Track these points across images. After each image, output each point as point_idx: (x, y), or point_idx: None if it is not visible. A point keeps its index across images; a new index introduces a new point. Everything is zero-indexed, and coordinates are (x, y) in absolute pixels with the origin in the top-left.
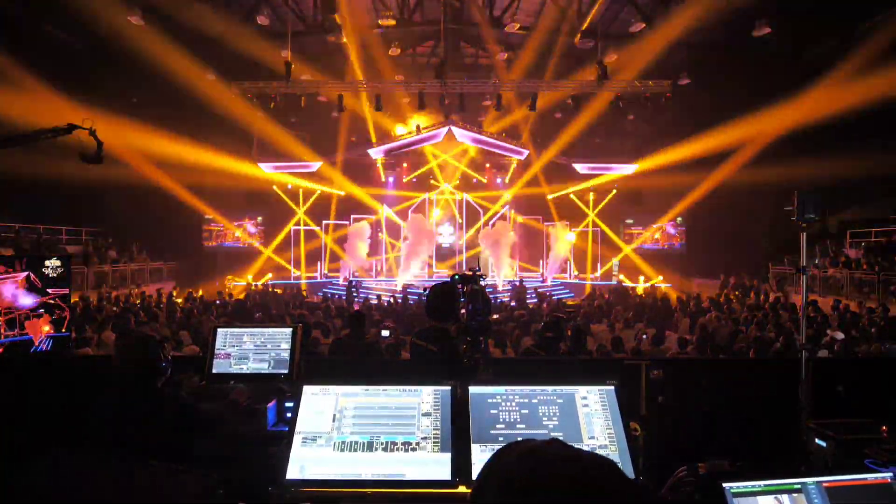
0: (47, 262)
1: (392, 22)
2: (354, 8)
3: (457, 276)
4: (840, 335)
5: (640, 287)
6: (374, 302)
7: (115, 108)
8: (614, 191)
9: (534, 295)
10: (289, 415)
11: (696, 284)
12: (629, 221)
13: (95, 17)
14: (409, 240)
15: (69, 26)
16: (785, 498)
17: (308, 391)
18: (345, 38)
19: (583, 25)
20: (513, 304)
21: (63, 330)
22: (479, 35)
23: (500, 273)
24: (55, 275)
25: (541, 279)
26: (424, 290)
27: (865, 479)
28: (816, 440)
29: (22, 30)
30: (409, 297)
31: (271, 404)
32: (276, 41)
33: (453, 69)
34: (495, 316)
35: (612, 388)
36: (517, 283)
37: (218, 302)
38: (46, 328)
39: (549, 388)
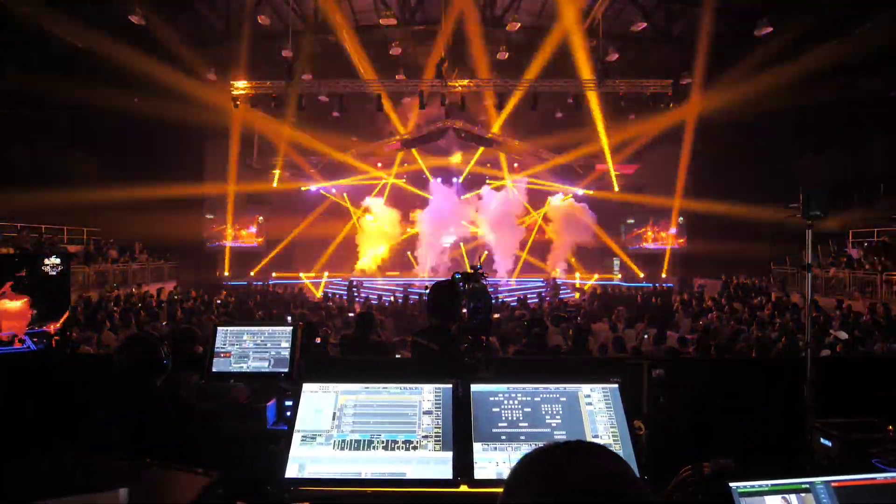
0: (47, 261)
1: (393, 21)
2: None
3: (458, 275)
4: (843, 335)
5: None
6: (375, 302)
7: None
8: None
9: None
10: (289, 413)
11: (698, 285)
12: (630, 221)
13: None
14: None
15: (69, 25)
16: (793, 498)
17: (307, 389)
18: (345, 38)
19: (584, 25)
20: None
21: (58, 326)
22: (480, 34)
23: (503, 268)
24: (55, 273)
25: (541, 279)
26: (426, 288)
27: (875, 478)
28: (821, 439)
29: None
30: (410, 296)
31: (271, 403)
32: (277, 41)
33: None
34: (496, 315)
35: (616, 386)
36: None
37: (219, 301)
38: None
39: (553, 387)
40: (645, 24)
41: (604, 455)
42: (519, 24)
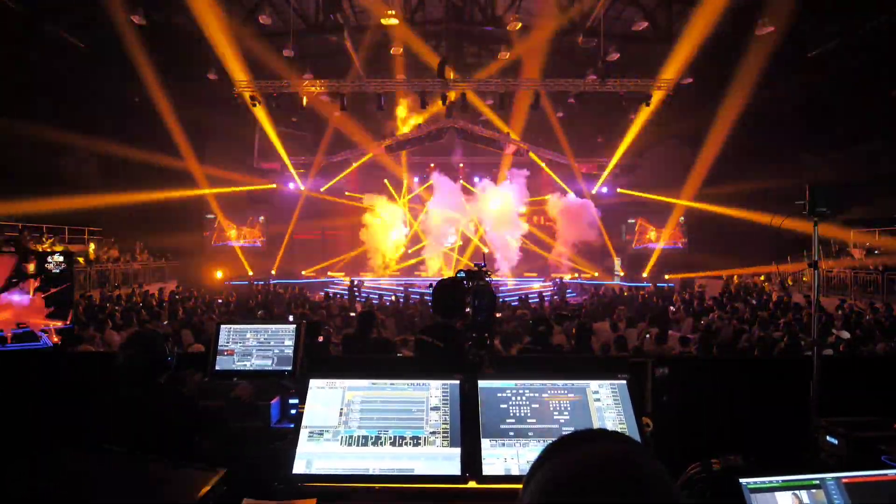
0: (49, 259)
1: (395, 21)
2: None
3: (463, 272)
4: (846, 334)
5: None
6: (376, 301)
7: (116, 108)
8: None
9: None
10: (293, 412)
11: (698, 285)
12: (631, 221)
13: (98, 17)
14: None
15: (70, 26)
16: (804, 494)
17: (314, 385)
18: (346, 38)
19: (585, 24)
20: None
21: (67, 322)
22: (481, 34)
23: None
24: (58, 271)
25: (542, 279)
26: (430, 286)
27: (885, 475)
28: (827, 437)
29: (22, 30)
30: (411, 296)
31: (274, 401)
32: (278, 41)
33: (455, 68)
34: (498, 315)
35: (625, 382)
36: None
37: (220, 301)
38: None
39: (560, 382)
40: (646, 24)
41: (617, 438)
42: (519, 25)
